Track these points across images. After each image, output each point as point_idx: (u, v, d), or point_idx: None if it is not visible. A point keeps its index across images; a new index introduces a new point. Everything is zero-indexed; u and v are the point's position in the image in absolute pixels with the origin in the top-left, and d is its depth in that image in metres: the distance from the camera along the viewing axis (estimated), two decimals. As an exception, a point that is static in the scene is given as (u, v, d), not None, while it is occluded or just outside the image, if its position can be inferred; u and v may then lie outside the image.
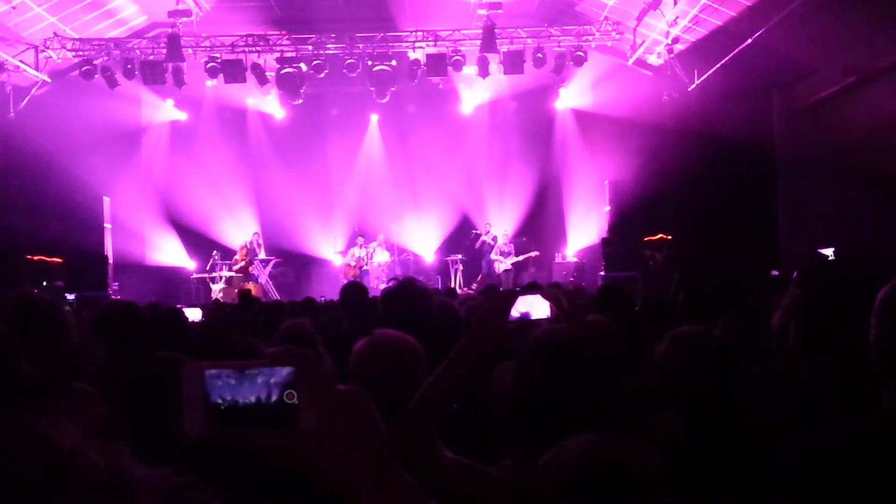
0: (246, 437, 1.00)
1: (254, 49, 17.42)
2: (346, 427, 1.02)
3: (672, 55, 16.24)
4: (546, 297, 2.77)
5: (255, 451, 1.01)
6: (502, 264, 17.92)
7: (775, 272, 11.59)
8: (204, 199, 19.23)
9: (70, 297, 14.33)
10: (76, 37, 16.97)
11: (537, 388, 2.14)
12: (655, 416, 2.61)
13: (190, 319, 5.51)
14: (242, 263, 17.62)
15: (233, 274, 17.57)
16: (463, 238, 19.20)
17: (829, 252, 11.32)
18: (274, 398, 1.00)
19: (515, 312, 2.56)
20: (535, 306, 2.69)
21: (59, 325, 3.36)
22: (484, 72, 17.22)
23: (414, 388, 2.56)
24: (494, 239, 18.32)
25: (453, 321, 4.22)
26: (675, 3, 14.66)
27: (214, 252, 17.98)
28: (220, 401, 1.00)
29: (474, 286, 16.90)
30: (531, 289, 3.13)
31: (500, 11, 16.17)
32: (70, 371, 3.45)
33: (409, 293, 4.07)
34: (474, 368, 2.40)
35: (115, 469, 0.76)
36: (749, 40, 14.02)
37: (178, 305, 6.90)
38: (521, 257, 17.95)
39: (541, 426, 2.05)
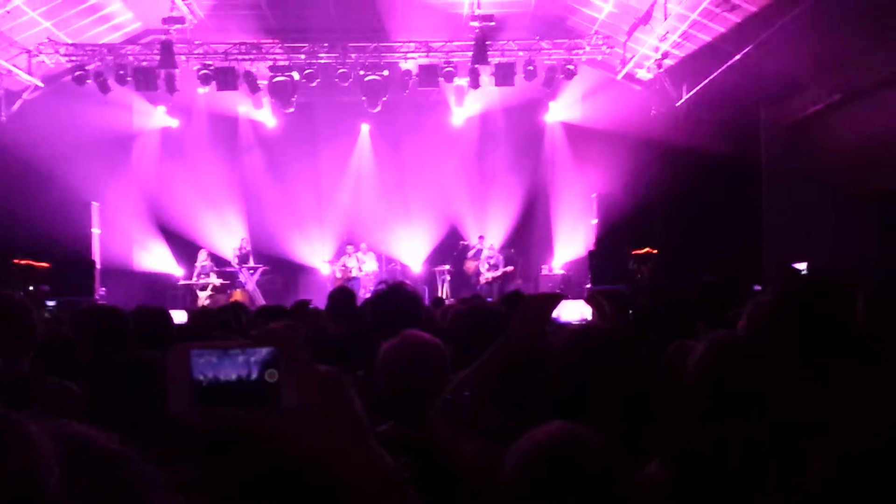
0: (228, 414, 1.06)
1: (246, 57, 17.47)
2: (324, 406, 1.07)
3: (661, 70, 16.38)
4: (589, 303, 2.78)
5: (236, 428, 1.07)
6: (486, 276, 17.94)
7: (758, 287, 11.67)
8: (193, 206, 19.21)
9: (50, 303, 14.29)
10: (69, 42, 16.97)
11: (573, 381, 2.14)
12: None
13: (175, 321, 5.53)
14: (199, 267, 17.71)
15: (221, 281, 17.60)
16: (451, 249, 19.24)
17: (802, 266, 11.40)
18: (254, 376, 1.05)
19: None
20: (564, 311, 2.68)
21: (27, 323, 3.36)
22: (475, 83, 17.32)
23: (438, 388, 2.60)
24: (481, 250, 18.34)
25: (431, 329, 4.22)
26: (665, 18, 14.78)
27: (200, 259, 17.94)
28: (201, 378, 1.04)
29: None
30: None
31: (492, 24, 16.25)
32: (49, 371, 3.47)
33: (399, 297, 4.09)
34: (508, 367, 2.41)
35: None
36: (737, 57, 14.16)
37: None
38: (498, 272, 17.93)
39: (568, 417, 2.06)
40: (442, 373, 2.78)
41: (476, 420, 2.35)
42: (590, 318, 2.69)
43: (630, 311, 4.89)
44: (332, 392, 1.09)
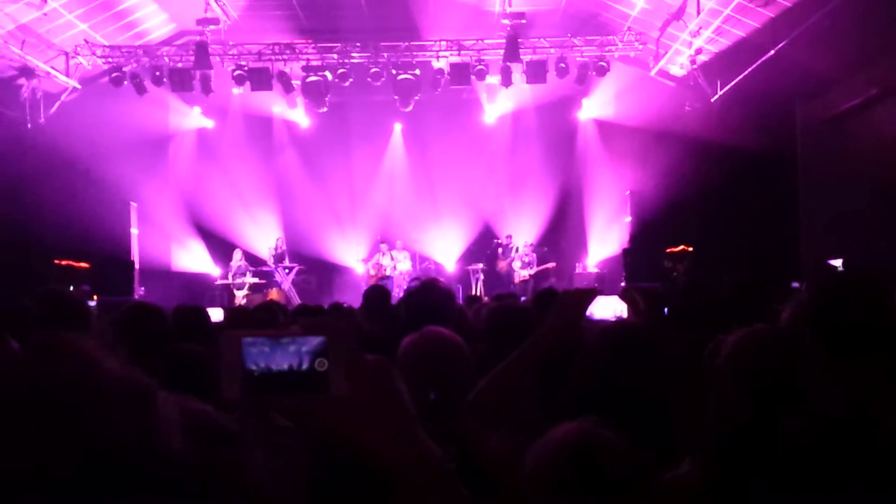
0: (279, 402, 1.09)
1: (280, 57, 17.58)
2: (372, 394, 1.10)
3: (695, 66, 16.24)
4: (624, 298, 2.78)
5: (287, 416, 1.10)
6: (519, 274, 17.95)
7: (796, 284, 11.55)
8: (229, 206, 19.41)
9: (91, 302, 14.51)
10: (106, 44, 17.19)
11: (602, 375, 2.15)
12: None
13: (213, 319, 5.58)
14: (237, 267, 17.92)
15: (258, 280, 17.81)
16: (484, 247, 19.26)
17: (837, 263, 11.27)
18: (305, 366, 1.08)
19: None
20: (598, 307, 2.68)
21: (83, 318, 3.47)
22: (507, 81, 17.29)
23: (457, 383, 2.61)
24: (511, 246, 18.38)
25: (464, 326, 4.22)
26: (699, 13, 14.68)
27: (235, 259, 18.12)
28: (254, 367, 1.07)
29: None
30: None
31: (523, 21, 16.24)
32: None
33: (432, 293, 4.09)
34: (542, 363, 2.42)
35: (133, 377, 0.87)
36: (772, 52, 14.01)
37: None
38: (534, 270, 17.94)
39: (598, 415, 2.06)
40: (461, 369, 2.76)
41: (507, 415, 2.36)
42: (624, 314, 2.68)
43: (665, 309, 4.87)
44: (381, 381, 1.11)
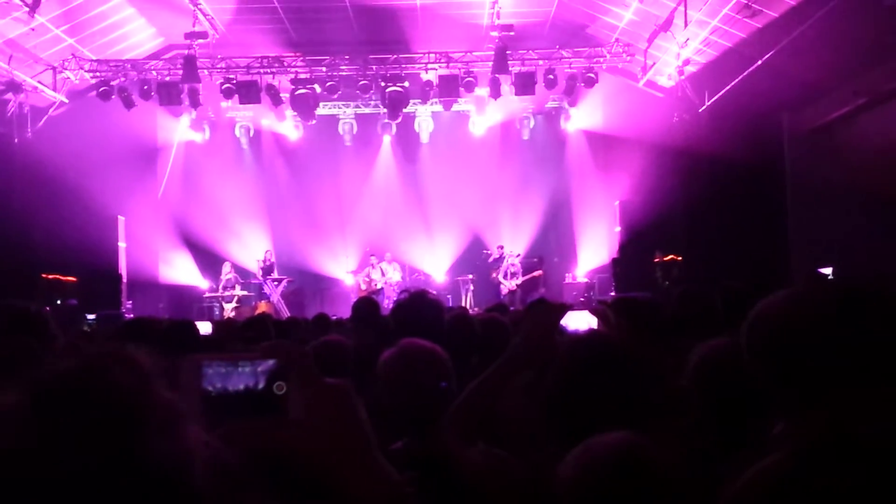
0: (236, 425, 1.06)
1: (269, 70, 17.58)
2: (330, 418, 1.09)
3: (683, 77, 16.30)
4: (594, 313, 2.78)
5: (244, 439, 1.08)
6: (505, 285, 17.94)
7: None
8: (217, 219, 19.35)
9: (90, 317, 14.48)
10: (94, 58, 17.16)
11: (576, 387, 2.14)
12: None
13: (201, 332, 5.55)
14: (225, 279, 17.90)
15: (246, 293, 17.76)
16: (474, 258, 19.25)
17: (827, 271, 11.30)
18: (261, 386, 1.07)
19: None
20: (572, 321, 2.69)
21: (46, 334, 3.32)
22: (496, 93, 17.33)
23: (440, 396, 2.59)
24: (501, 258, 18.38)
25: (467, 334, 4.20)
26: (686, 25, 14.73)
27: (225, 272, 18.06)
28: (210, 389, 1.06)
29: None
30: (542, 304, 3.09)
31: (511, 33, 16.27)
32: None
33: (421, 305, 4.07)
34: (518, 377, 2.41)
35: (174, 400, 0.88)
36: (759, 62, 14.07)
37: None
38: (521, 279, 17.94)
39: (574, 426, 2.03)
40: (441, 378, 2.73)
41: (485, 430, 2.36)
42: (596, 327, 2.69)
43: (651, 319, 4.87)
44: (339, 405, 1.10)
